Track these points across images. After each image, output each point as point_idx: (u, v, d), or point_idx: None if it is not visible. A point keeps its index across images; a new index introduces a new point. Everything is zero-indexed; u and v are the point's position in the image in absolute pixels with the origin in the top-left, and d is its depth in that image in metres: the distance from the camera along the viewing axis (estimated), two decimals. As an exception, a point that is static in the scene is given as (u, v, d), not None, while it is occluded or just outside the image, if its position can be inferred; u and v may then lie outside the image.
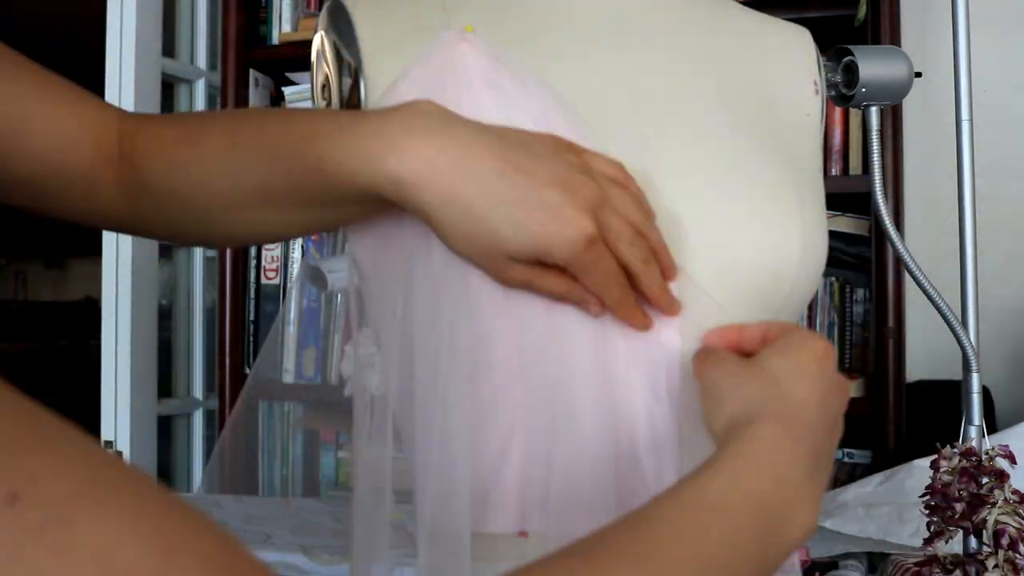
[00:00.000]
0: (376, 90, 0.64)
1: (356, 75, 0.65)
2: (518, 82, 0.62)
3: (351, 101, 0.66)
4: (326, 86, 0.69)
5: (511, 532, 0.62)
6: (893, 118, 1.77)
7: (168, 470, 2.24)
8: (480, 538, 0.62)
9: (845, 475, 1.89)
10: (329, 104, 0.68)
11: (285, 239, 0.63)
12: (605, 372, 0.61)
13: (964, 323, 0.94)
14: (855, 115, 1.80)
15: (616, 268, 0.56)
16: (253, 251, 2.20)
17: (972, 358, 0.92)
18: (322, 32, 0.69)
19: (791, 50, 0.76)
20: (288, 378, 2.05)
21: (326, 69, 0.68)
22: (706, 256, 0.63)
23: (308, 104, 2.16)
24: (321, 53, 0.69)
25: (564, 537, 0.61)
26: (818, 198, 0.70)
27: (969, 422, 0.93)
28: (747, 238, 0.64)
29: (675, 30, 0.71)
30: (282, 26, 2.18)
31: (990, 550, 0.89)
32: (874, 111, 0.87)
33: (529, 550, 0.61)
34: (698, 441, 0.62)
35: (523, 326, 0.60)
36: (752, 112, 0.70)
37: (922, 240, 1.94)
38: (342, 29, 0.67)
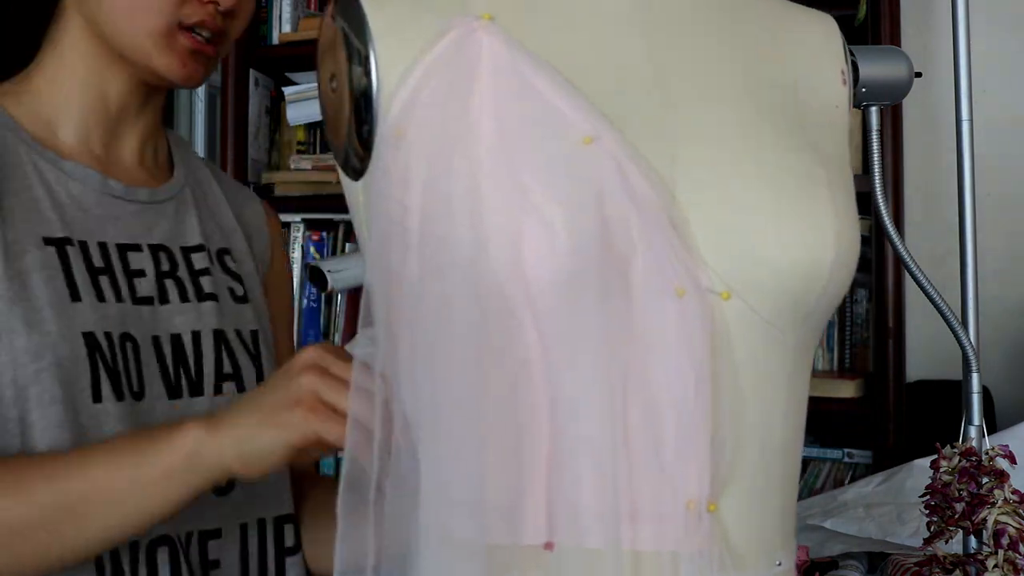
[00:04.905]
0: (389, 79, 0.62)
1: (367, 63, 0.63)
2: (536, 71, 0.60)
3: (362, 90, 0.63)
4: (334, 76, 0.66)
5: (538, 544, 0.59)
6: (893, 118, 1.77)
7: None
8: (501, 550, 0.59)
9: (845, 475, 1.89)
10: (337, 95, 0.66)
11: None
12: (633, 382, 0.59)
13: (964, 323, 0.94)
14: (855, 115, 1.80)
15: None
16: (253, 251, 2.20)
17: (972, 358, 0.92)
18: (330, 20, 0.66)
19: (817, 38, 0.73)
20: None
21: (334, 59, 0.65)
22: (734, 255, 0.60)
23: (306, 102, 2.17)
24: (329, 42, 0.66)
25: (591, 549, 0.58)
26: (848, 191, 0.66)
27: (969, 422, 0.93)
28: (779, 235, 0.61)
29: (699, 18, 0.68)
30: (282, 26, 2.18)
31: (990, 550, 0.89)
32: (874, 111, 0.87)
33: (552, 563, 0.59)
34: (730, 449, 0.61)
35: (546, 337, 0.58)
36: (779, 102, 0.67)
37: (922, 240, 1.94)
38: (351, 16, 0.64)
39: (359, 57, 0.63)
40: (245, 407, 0.71)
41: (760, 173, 0.62)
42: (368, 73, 0.62)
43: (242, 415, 0.70)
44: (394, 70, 0.62)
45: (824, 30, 0.75)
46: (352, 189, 0.67)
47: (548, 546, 0.59)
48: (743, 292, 0.60)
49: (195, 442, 0.70)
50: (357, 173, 0.65)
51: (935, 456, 0.93)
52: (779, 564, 0.64)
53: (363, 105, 0.63)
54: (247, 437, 0.69)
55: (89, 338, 0.78)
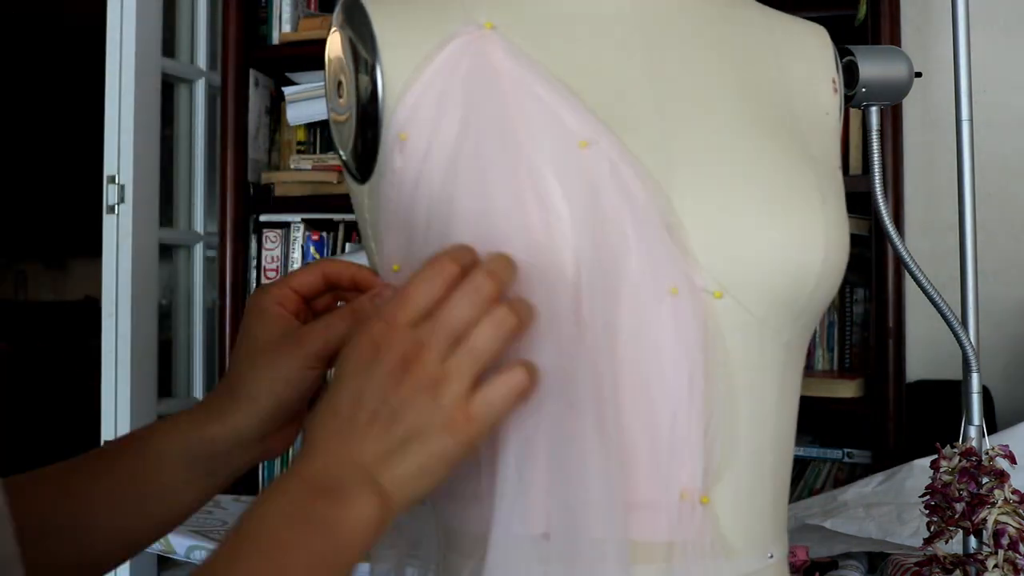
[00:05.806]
0: (394, 85, 0.63)
1: (373, 72, 0.64)
2: (536, 78, 0.62)
3: (369, 99, 0.65)
4: (341, 84, 0.67)
5: (536, 534, 0.60)
6: (893, 118, 1.77)
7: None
8: (499, 541, 0.60)
9: (845, 475, 1.90)
10: (344, 101, 0.67)
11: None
12: (627, 378, 0.60)
13: (964, 323, 0.94)
14: (855, 115, 1.80)
15: None
16: (253, 251, 2.20)
17: (972, 358, 0.92)
18: (337, 29, 0.67)
19: (809, 48, 0.75)
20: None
21: (341, 67, 0.67)
22: (727, 256, 0.62)
23: (306, 102, 2.17)
24: (336, 51, 0.68)
25: (587, 539, 0.59)
26: (839, 196, 0.69)
27: (969, 422, 0.93)
28: (770, 236, 0.63)
29: (695, 27, 0.70)
30: (282, 26, 2.18)
31: (990, 550, 0.89)
32: (874, 111, 0.87)
33: (549, 552, 0.59)
34: (723, 443, 0.62)
35: (545, 330, 0.59)
36: (772, 110, 0.69)
37: (922, 240, 1.94)
38: (358, 25, 0.65)
39: (366, 66, 0.65)
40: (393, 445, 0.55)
41: (753, 177, 0.64)
42: (374, 80, 0.64)
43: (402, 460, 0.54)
44: (399, 77, 0.63)
45: (817, 40, 0.77)
46: (357, 192, 0.69)
47: (544, 536, 0.60)
48: (735, 291, 0.62)
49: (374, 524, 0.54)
50: (362, 176, 0.67)
51: (935, 456, 0.93)
52: (771, 556, 0.66)
53: (369, 111, 0.65)
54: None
55: None
